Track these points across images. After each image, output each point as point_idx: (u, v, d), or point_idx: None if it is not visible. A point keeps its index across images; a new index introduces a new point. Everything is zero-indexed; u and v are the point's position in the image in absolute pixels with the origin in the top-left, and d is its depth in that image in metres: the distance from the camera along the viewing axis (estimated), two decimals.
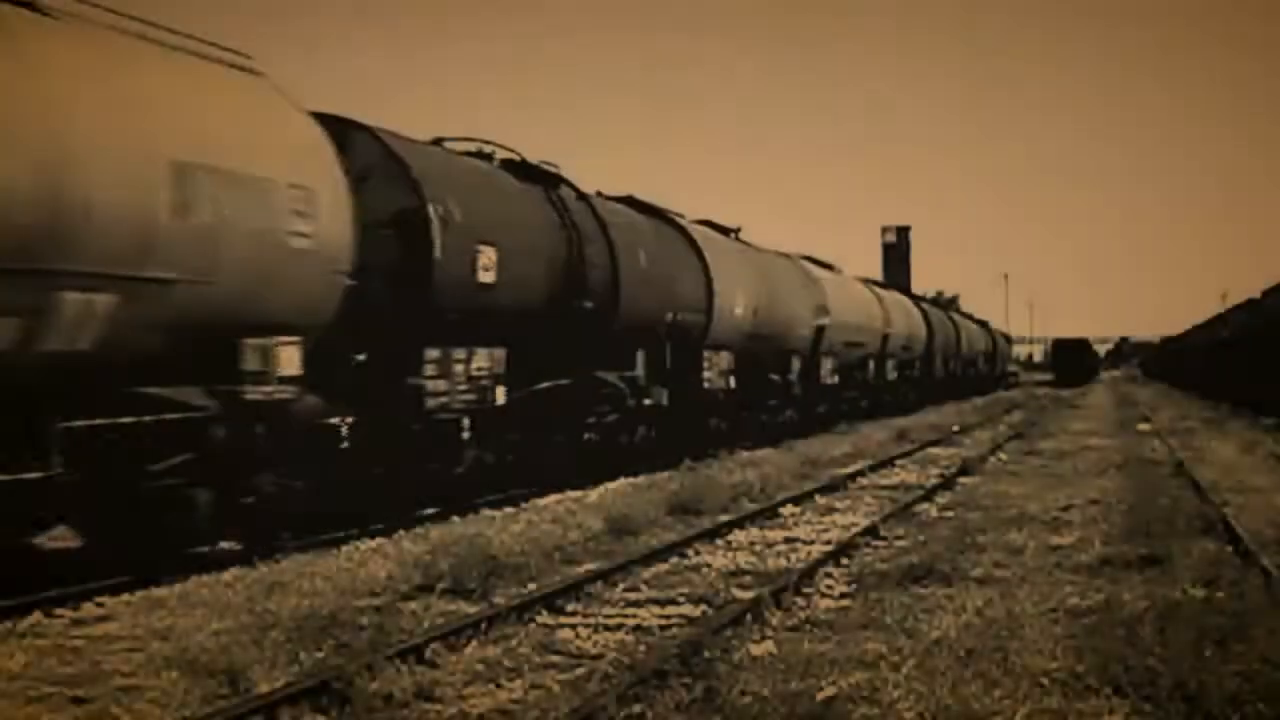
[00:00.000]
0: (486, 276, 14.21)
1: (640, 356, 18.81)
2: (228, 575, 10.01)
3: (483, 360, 14.33)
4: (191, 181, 9.68)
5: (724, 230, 25.34)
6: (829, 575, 10.48)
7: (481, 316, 14.17)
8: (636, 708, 6.36)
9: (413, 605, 9.07)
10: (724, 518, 13.88)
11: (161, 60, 10.24)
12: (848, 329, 31.69)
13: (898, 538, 12.69)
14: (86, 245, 8.78)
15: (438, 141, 15.42)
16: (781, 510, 15.02)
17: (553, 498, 15.67)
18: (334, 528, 12.16)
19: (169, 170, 9.50)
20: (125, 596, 9.34)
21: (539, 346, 15.67)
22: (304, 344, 11.03)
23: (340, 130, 12.65)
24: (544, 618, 8.87)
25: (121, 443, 9.44)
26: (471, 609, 8.96)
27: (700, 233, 22.78)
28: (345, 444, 11.84)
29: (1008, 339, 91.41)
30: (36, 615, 8.76)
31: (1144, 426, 31.90)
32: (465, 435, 14.01)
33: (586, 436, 17.58)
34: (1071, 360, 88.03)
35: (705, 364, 21.29)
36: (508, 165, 16.49)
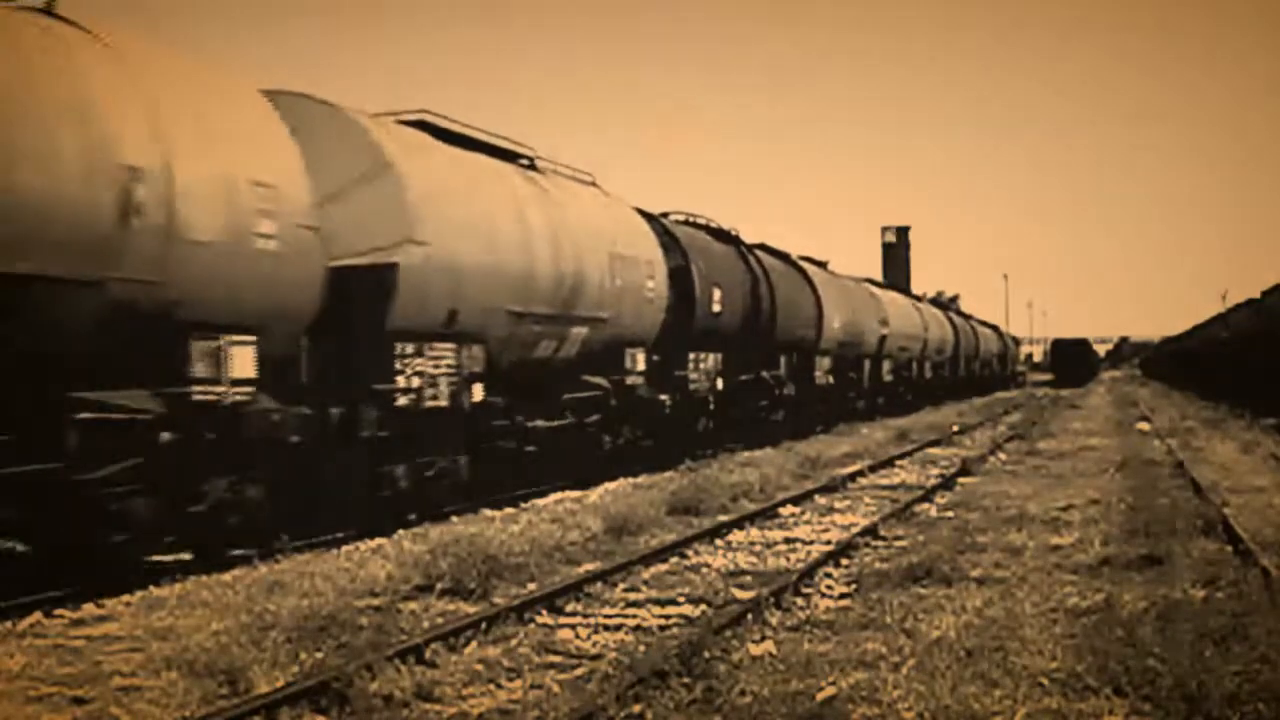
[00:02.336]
0: (717, 307, 22.32)
1: (782, 361, 26.92)
2: (228, 575, 10.01)
3: (711, 361, 22.30)
4: (615, 263, 17.64)
5: (819, 263, 33.24)
6: (829, 575, 10.49)
7: (713, 333, 22.24)
8: (636, 708, 6.36)
9: (413, 605, 9.08)
10: (724, 518, 13.89)
11: (580, 188, 18.42)
12: (900, 337, 40.32)
13: (897, 538, 12.69)
14: (582, 300, 16.66)
15: (665, 214, 22.94)
16: (781, 510, 15.03)
17: (553, 498, 15.69)
18: (336, 528, 12.19)
19: (608, 258, 17.48)
20: (125, 597, 9.34)
21: (735, 353, 23.46)
22: (646, 351, 19.11)
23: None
24: (544, 618, 8.88)
25: (577, 406, 17.04)
26: (471, 609, 8.97)
27: (810, 269, 30.65)
28: (666, 410, 19.92)
29: (1015, 341, 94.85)
30: (36, 615, 8.77)
31: (1143, 426, 31.88)
32: (711, 407, 22.58)
33: (759, 415, 25.72)
34: (1071, 360, 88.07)
35: (816, 367, 29.59)
36: (704, 228, 24.65)
